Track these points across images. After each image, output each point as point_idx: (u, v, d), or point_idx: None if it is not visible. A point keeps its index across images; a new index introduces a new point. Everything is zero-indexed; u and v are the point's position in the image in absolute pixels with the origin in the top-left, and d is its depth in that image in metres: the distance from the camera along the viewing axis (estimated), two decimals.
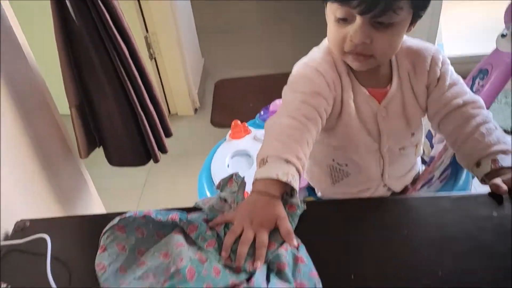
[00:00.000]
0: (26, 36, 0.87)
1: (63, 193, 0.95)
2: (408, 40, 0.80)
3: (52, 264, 0.62)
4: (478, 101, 0.78)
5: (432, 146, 1.01)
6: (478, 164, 0.72)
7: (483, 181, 0.72)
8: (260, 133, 1.20)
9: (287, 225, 0.63)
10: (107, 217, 0.66)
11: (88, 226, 0.75)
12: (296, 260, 0.58)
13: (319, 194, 1.00)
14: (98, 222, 0.67)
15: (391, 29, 0.69)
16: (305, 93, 0.75)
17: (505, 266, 0.57)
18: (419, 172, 0.98)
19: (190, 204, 0.70)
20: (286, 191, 0.67)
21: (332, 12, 0.71)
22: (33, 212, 0.85)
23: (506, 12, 0.97)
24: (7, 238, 0.72)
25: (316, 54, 0.80)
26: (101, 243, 0.63)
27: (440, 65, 0.79)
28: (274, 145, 0.70)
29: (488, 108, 0.97)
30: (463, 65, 2.23)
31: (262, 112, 1.31)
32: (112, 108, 0.89)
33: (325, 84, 0.76)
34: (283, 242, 0.61)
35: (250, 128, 1.24)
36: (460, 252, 0.59)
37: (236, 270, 0.58)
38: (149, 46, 2.04)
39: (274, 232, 0.63)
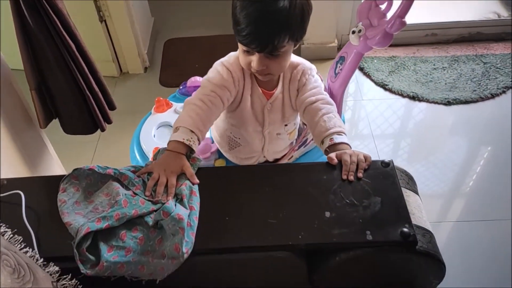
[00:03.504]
0: None
1: (28, 156, 1.20)
2: (293, 56, 1.10)
3: (26, 211, 0.89)
4: (326, 98, 1.09)
5: None
6: (322, 142, 1.04)
7: (326, 152, 1.03)
8: (179, 106, 1.45)
9: (190, 170, 0.93)
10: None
11: (52, 183, 1.01)
12: (191, 193, 0.90)
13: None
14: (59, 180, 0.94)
15: (280, 57, 0.99)
16: (215, 85, 1.05)
17: (318, 210, 0.88)
18: (293, 143, 1.32)
19: None
20: (190, 150, 0.97)
21: (239, 45, 1.00)
22: (5, 172, 1.10)
23: (357, 12, 1.22)
24: None
25: (232, 58, 1.09)
26: (61, 186, 0.90)
27: (306, 75, 1.10)
28: (186, 119, 1.00)
29: (347, 83, 1.28)
30: None
31: (181, 87, 1.54)
32: (64, 90, 1.13)
33: (231, 80, 1.06)
34: (185, 181, 0.90)
35: (171, 102, 1.48)
36: (295, 201, 0.90)
37: (155, 202, 0.87)
38: (98, 9, 2.19)
39: (180, 176, 0.92)
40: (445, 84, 2.28)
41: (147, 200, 0.88)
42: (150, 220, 0.84)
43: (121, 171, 0.91)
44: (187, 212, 0.84)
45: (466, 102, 2.19)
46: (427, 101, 2.21)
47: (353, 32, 1.18)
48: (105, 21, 2.25)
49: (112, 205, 0.84)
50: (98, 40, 2.30)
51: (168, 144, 0.98)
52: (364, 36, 1.16)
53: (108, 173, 0.90)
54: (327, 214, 0.88)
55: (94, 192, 0.91)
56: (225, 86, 1.05)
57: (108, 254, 0.80)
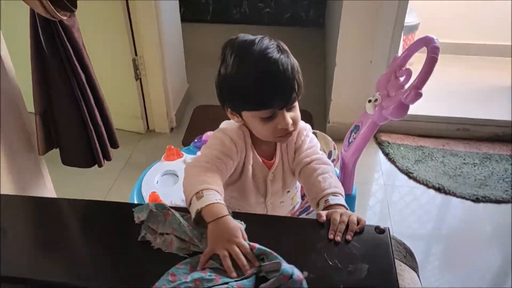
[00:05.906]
0: (10, 51, 1.13)
1: (20, 179, 1.19)
2: None
3: None
4: (322, 158, 1.04)
5: None
6: (318, 205, 0.97)
7: None
8: (189, 157, 1.41)
9: (244, 234, 0.81)
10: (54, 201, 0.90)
11: (31, 205, 0.98)
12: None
13: None
14: (43, 202, 0.91)
15: (295, 106, 0.98)
16: (220, 151, 0.98)
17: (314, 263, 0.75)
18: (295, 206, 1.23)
19: None
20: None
21: (254, 115, 0.95)
22: None
23: (377, 83, 1.20)
24: None
25: (233, 126, 1.04)
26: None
27: (302, 136, 1.06)
28: (204, 179, 0.89)
29: (360, 153, 1.21)
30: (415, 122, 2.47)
31: (196, 140, 1.52)
32: (68, 119, 1.14)
33: (234, 150, 1.01)
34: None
35: (182, 152, 1.45)
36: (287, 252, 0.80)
37: (249, 276, 0.74)
38: (136, 67, 2.30)
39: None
40: (475, 180, 2.16)
41: (240, 279, 0.74)
42: None
43: (187, 280, 0.74)
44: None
45: (496, 201, 2.04)
46: (454, 195, 2.07)
47: (369, 101, 1.14)
48: (140, 79, 2.35)
49: None
50: (131, 96, 2.39)
51: (202, 214, 0.83)
52: (380, 105, 1.12)
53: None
54: (305, 274, 0.77)
55: None
56: (228, 155, 0.99)
57: None
